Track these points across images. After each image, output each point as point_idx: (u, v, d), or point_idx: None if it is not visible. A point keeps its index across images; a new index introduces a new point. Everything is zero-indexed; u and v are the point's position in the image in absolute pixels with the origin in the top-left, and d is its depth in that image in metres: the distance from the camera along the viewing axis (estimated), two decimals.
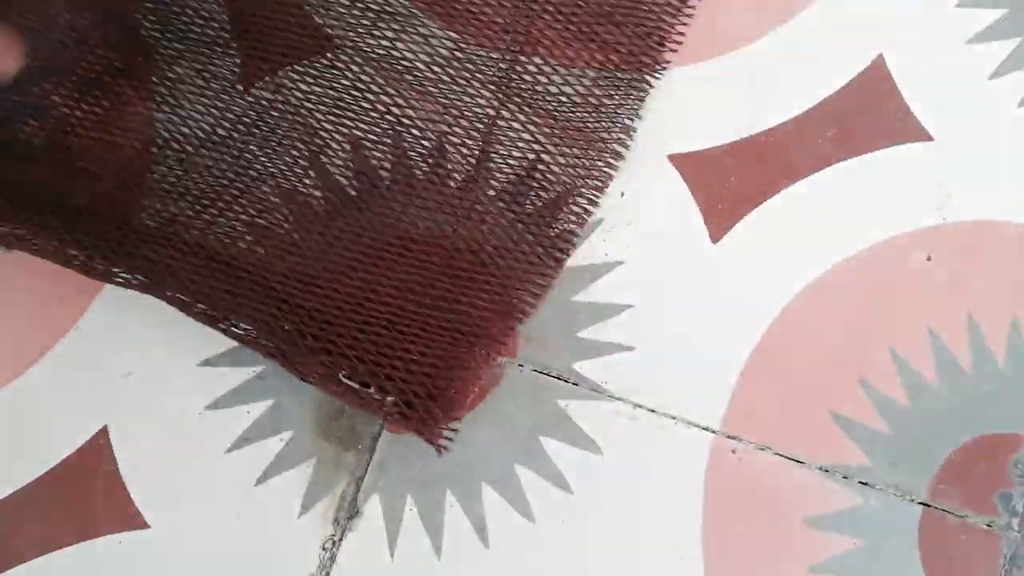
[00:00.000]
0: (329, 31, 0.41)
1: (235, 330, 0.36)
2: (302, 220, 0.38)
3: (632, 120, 0.40)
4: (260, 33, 0.41)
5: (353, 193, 0.38)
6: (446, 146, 0.39)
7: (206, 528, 0.35)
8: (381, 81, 0.40)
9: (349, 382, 0.35)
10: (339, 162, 0.39)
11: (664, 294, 0.38)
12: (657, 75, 0.41)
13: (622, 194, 0.39)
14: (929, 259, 0.38)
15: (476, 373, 0.36)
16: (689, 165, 0.39)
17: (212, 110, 0.40)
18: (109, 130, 0.40)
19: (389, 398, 0.35)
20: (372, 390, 0.35)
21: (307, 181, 0.39)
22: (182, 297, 0.36)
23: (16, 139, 0.39)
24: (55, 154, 0.39)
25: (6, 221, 0.37)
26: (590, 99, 0.40)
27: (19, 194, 0.38)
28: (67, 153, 0.39)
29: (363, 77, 0.40)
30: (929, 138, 0.39)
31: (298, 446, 0.36)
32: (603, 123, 0.40)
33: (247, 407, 0.36)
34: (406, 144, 0.39)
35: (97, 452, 0.36)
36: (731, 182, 0.39)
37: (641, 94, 0.40)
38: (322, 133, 0.40)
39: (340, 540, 0.35)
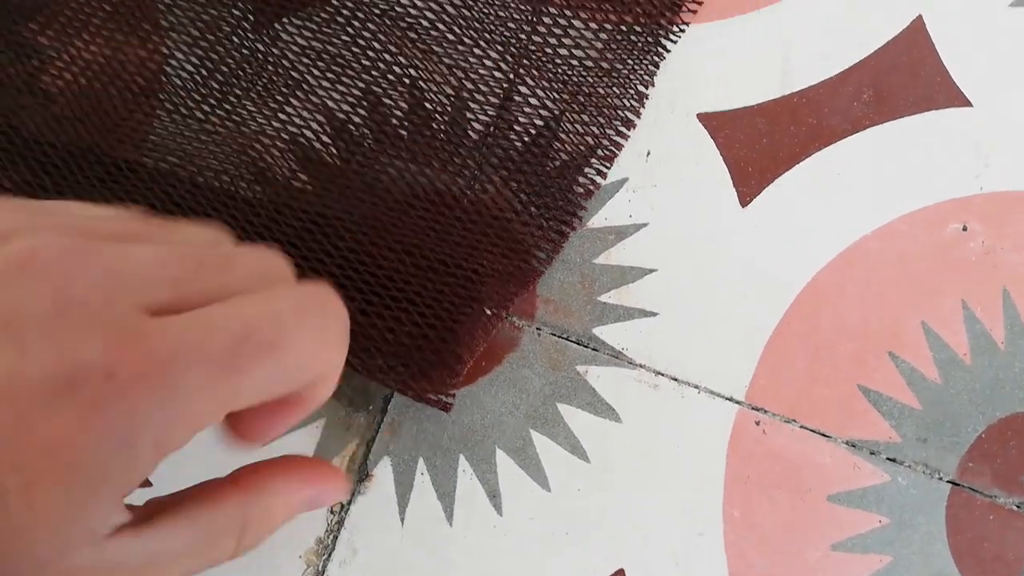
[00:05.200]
0: None
1: None
2: (278, 184, 0.35)
3: (646, 87, 0.37)
4: None
5: (337, 154, 0.36)
6: (463, 108, 0.37)
7: None
8: (383, 38, 0.37)
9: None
10: (337, 122, 0.36)
11: (689, 259, 0.35)
12: (674, 37, 0.38)
13: (648, 154, 0.37)
14: (964, 230, 0.35)
15: (479, 337, 0.34)
16: (718, 125, 0.37)
17: (208, 58, 0.37)
18: (99, 76, 0.37)
19: (385, 362, 0.33)
20: (369, 354, 0.33)
21: (311, 135, 0.36)
22: None
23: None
24: (35, 98, 0.36)
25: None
26: (602, 64, 0.37)
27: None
28: (46, 96, 0.36)
29: (364, 33, 0.37)
30: (968, 104, 0.37)
31: None
32: (615, 89, 0.37)
33: None
34: (410, 102, 0.37)
35: None
36: (762, 144, 0.36)
37: (656, 58, 0.38)
38: (319, 91, 0.37)
39: (349, 503, 0.33)
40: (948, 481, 0.32)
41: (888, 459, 0.33)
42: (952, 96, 0.37)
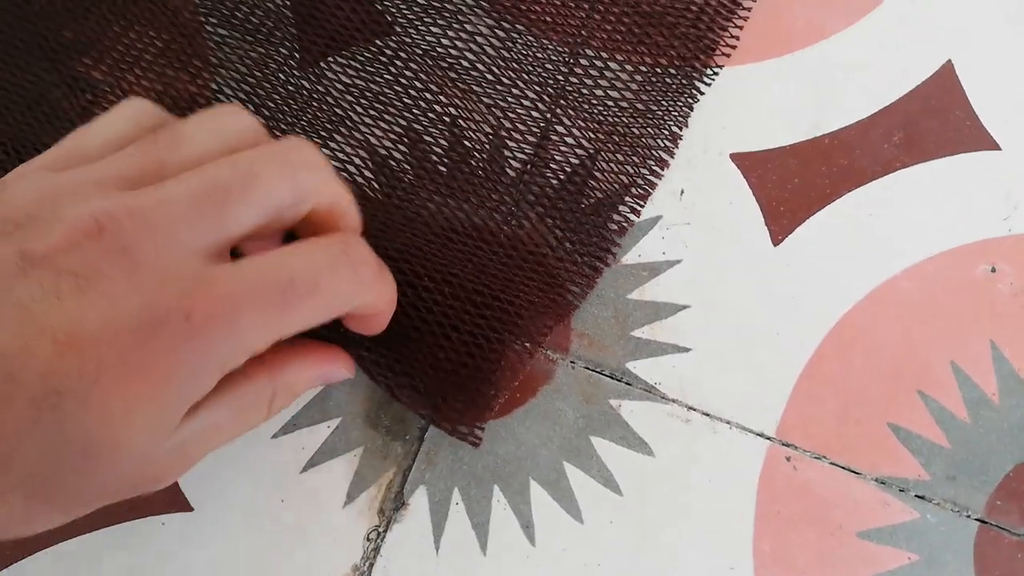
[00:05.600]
0: (388, 17, 0.39)
1: None
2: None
3: (680, 128, 0.38)
4: (321, 15, 0.39)
5: (380, 189, 0.37)
6: (500, 146, 0.37)
7: (250, 513, 0.34)
8: (424, 77, 0.38)
9: (383, 375, 0.34)
10: (380, 156, 0.37)
11: (722, 296, 0.36)
12: (708, 79, 0.39)
13: (682, 192, 0.37)
14: (994, 271, 0.36)
15: (514, 371, 0.34)
16: (751, 165, 0.38)
17: (255, 94, 0.38)
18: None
19: (425, 391, 0.34)
20: (411, 380, 0.34)
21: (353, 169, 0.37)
22: None
23: (54, 110, 0.38)
24: None
25: None
26: (637, 105, 0.38)
27: None
28: None
29: (406, 72, 0.38)
30: (997, 147, 0.37)
31: (346, 434, 0.35)
32: (650, 129, 0.38)
33: None
34: (450, 139, 0.37)
35: None
36: (794, 184, 0.37)
37: (690, 100, 0.38)
38: (362, 128, 0.38)
39: (385, 531, 0.34)
40: (976, 519, 0.33)
41: (917, 496, 0.33)
42: (981, 140, 0.37)
